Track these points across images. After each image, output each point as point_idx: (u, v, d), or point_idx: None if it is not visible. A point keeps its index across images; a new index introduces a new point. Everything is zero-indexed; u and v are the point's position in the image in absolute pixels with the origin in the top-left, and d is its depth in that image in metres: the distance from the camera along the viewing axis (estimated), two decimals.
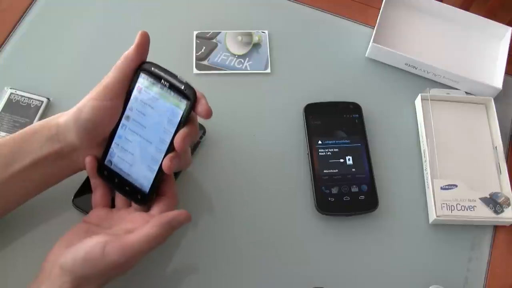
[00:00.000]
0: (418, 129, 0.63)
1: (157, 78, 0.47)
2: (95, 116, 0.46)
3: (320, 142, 0.60)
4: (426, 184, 0.60)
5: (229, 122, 0.62)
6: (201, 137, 0.59)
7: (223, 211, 0.57)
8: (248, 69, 0.65)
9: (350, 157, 0.59)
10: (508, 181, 0.59)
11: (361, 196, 0.57)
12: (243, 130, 0.62)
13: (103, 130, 0.49)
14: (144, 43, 0.47)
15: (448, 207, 0.57)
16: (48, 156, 0.47)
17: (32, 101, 0.59)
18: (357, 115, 0.62)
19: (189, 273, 0.54)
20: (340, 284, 0.54)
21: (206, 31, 0.67)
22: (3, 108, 0.58)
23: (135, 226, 0.46)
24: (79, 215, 0.53)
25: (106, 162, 0.50)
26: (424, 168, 0.60)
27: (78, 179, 0.54)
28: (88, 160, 0.49)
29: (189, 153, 0.51)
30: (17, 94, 0.59)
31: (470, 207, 0.58)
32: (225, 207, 0.57)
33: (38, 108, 0.59)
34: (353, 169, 0.59)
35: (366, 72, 0.67)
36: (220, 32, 0.67)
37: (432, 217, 0.57)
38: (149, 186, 0.49)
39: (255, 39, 0.67)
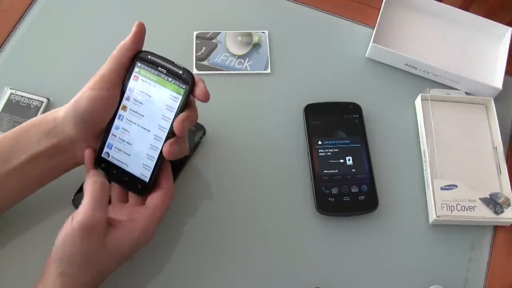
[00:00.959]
0: (418, 129, 0.63)
1: (154, 65, 0.48)
2: (93, 106, 0.47)
3: (320, 142, 0.60)
4: (426, 184, 0.60)
5: (229, 122, 0.62)
6: (201, 137, 0.59)
7: (223, 211, 0.57)
8: (248, 69, 0.65)
9: (350, 157, 0.59)
10: (508, 181, 0.59)
11: (361, 196, 0.57)
12: (243, 130, 0.62)
13: (101, 120, 0.49)
14: (140, 33, 0.48)
15: (448, 207, 0.57)
16: (45, 151, 0.47)
17: (32, 102, 0.59)
18: (357, 115, 0.62)
19: (189, 273, 0.54)
20: (340, 284, 0.54)
21: (206, 31, 0.67)
22: (3, 109, 0.58)
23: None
24: None
25: (103, 155, 0.50)
26: (424, 168, 0.60)
27: (78, 178, 0.54)
28: (87, 153, 0.49)
29: (186, 140, 0.51)
30: (17, 95, 0.59)
31: (470, 207, 0.57)
32: (225, 207, 0.57)
33: (38, 108, 0.59)
34: (353, 169, 0.59)
35: (366, 72, 0.67)
36: (220, 33, 0.67)
37: (432, 217, 0.57)
38: (149, 175, 0.49)
39: (255, 39, 0.67)
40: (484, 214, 0.57)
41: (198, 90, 0.47)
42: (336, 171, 0.58)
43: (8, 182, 0.47)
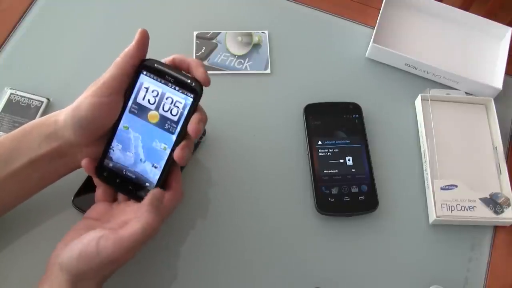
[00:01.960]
0: (418, 129, 0.63)
1: (161, 74, 0.47)
2: (93, 113, 0.46)
3: (320, 142, 0.60)
4: (426, 184, 0.60)
5: (229, 123, 0.62)
6: (201, 138, 0.59)
7: (223, 211, 0.57)
8: (248, 69, 0.65)
9: (350, 158, 0.59)
10: (508, 181, 0.59)
11: (361, 197, 0.57)
12: (243, 130, 0.62)
13: (101, 126, 0.48)
14: (144, 40, 0.47)
15: (448, 207, 0.57)
16: (46, 154, 0.47)
17: (32, 102, 0.59)
18: (357, 115, 0.62)
19: (189, 272, 0.54)
20: (340, 284, 0.54)
21: (206, 31, 0.67)
22: (3, 109, 0.58)
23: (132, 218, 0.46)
24: (79, 215, 0.53)
25: (105, 163, 0.49)
26: (424, 168, 0.60)
27: (78, 179, 0.54)
28: (84, 163, 0.49)
29: (193, 144, 0.51)
30: (17, 95, 0.59)
31: (470, 207, 0.58)
32: (225, 207, 0.57)
33: (38, 108, 0.59)
34: (353, 170, 0.59)
35: (366, 72, 0.67)
36: (220, 33, 0.67)
37: (432, 217, 0.57)
38: (155, 183, 0.49)
39: (255, 39, 0.67)
40: (484, 214, 0.57)
41: (199, 75, 0.47)
42: (336, 171, 0.58)
43: (7, 185, 0.47)
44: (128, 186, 0.50)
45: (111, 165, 0.50)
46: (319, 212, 0.57)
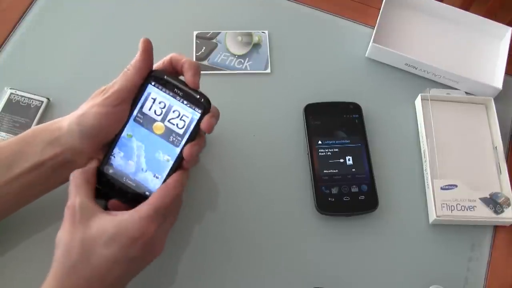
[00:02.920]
0: (418, 129, 0.63)
1: (170, 86, 0.47)
2: (100, 123, 0.46)
3: (320, 142, 0.60)
4: (426, 184, 0.60)
5: (229, 122, 0.62)
6: None
7: (223, 211, 0.57)
8: (248, 69, 0.65)
9: (350, 157, 0.59)
10: (508, 181, 0.59)
11: (361, 196, 0.57)
12: (243, 130, 0.62)
13: (106, 135, 0.48)
14: (148, 50, 0.47)
15: (448, 207, 0.57)
16: (48, 160, 0.47)
17: (32, 101, 0.59)
18: (357, 115, 0.62)
19: (189, 272, 0.54)
20: (340, 284, 0.54)
21: (206, 31, 0.67)
22: (3, 108, 0.58)
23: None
24: None
25: (105, 169, 0.49)
26: (424, 168, 0.60)
27: None
28: (72, 177, 0.47)
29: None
30: (17, 94, 0.59)
31: (470, 207, 0.58)
32: (225, 207, 0.57)
33: (38, 108, 0.59)
34: (353, 169, 0.59)
35: (366, 72, 0.67)
36: (220, 32, 0.67)
37: (432, 217, 0.57)
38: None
39: (255, 39, 0.67)
40: (484, 214, 0.57)
41: (188, 78, 0.47)
42: (336, 171, 0.58)
43: (10, 188, 0.47)
44: (127, 194, 0.49)
45: (111, 171, 0.49)
46: (319, 212, 0.57)
